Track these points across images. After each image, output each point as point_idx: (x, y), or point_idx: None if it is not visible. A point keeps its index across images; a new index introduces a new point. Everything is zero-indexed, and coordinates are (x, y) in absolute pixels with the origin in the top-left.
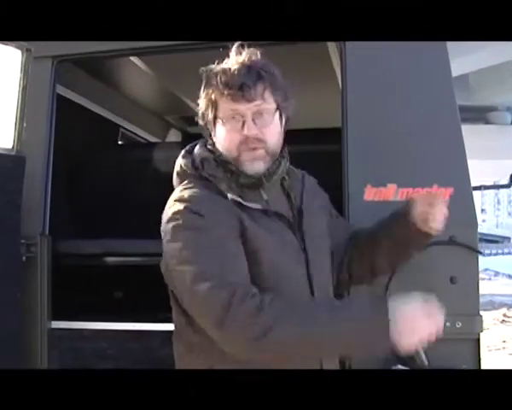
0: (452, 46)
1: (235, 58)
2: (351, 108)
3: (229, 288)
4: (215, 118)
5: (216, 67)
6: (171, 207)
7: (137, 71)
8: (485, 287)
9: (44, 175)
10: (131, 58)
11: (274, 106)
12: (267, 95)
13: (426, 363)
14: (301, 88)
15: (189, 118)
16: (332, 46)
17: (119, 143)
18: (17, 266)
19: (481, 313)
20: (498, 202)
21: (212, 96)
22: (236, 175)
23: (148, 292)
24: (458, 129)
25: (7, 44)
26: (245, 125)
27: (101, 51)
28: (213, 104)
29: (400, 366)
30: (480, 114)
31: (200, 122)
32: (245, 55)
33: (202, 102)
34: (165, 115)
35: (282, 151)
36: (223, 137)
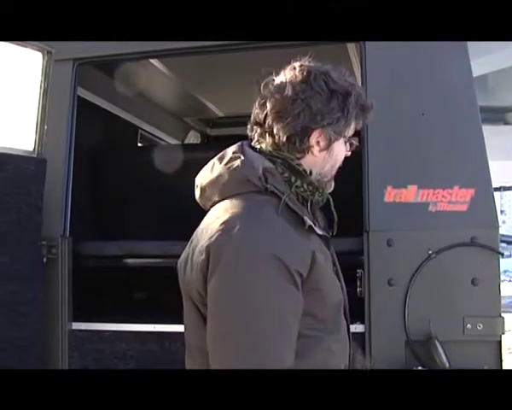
0: (472, 47)
1: (347, 75)
2: None
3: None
4: (339, 134)
5: (351, 79)
6: (235, 225)
7: (157, 73)
8: (506, 289)
9: (65, 177)
10: (151, 60)
11: None
12: None
13: (447, 365)
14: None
15: (209, 120)
16: (351, 47)
17: (139, 144)
18: (38, 268)
19: (502, 314)
20: None
21: (358, 113)
22: (313, 189)
23: (168, 294)
24: (479, 130)
25: (28, 47)
26: (347, 146)
27: (121, 54)
28: (350, 125)
29: (421, 368)
30: (499, 115)
31: (310, 125)
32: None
33: (335, 111)
34: (185, 117)
35: None
36: (337, 157)
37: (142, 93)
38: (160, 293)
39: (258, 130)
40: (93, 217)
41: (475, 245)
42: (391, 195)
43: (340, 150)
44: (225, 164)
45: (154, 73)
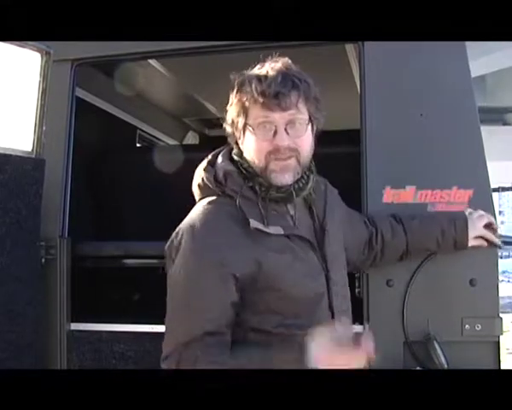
0: (470, 48)
1: (270, 65)
2: (369, 110)
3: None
4: (245, 125)
5: (250, 73)
6: (185, 223)
7: (156, 73)
8: (504, 289)
9: (64, 178)
10: (150, 61)
11: (307, 116)
12: (301, 104)
13: (445, 365)
14: (319, 90)
15: (207, 120)
16: (350, 48)
17: (138, 145)
18: (37, 268)
19: (501, 315)
20: None
21: (245, 103)
22: (265, 188)
23: (167, 294)
24: (478, 130)
25: (26, 47)
26: (277, 134)
27: (119, 54)
28: (245, 111)
29: (419, 368)
30: (497, 116)
31: (228, 129)
32: (280, 63)
33: (233, 108)
34: (184, 118)
35: (309, 165)
36: (252, 146)
37: (141, 94)
38: (158, 294)
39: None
40: (92, 217)
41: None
42: (389, 195)
43: (251, 139)
44: (197, 170)
45: (153, 74)
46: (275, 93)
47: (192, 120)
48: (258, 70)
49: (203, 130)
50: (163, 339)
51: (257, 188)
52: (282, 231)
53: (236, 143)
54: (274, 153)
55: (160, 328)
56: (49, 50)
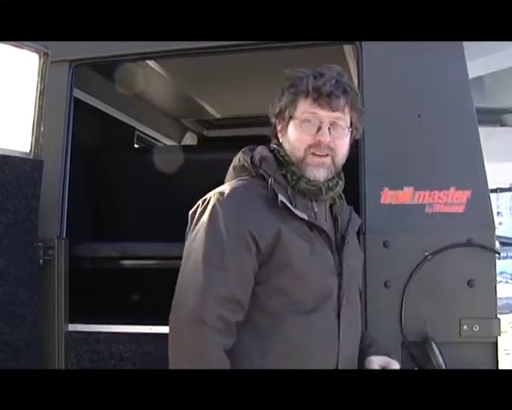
0: (468, 48)
1: (326, 67)
2: (367, 111)
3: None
4: (291, 117)
5: (306, 70)
6: (215, 191)
7: (154, 74)
8: (502, 290)
9: (62, 179)
10: (148, 62)
11: (349, 123)
12: (346, 110)
13: (443, 366)
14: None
15: (206, 121)
16: (348, 49)
17: (136, 146)
18: (35, 269)
19: (499, 316)
20: None
21: (297, 96)
22: (297, 178)
23: (165, 295)
24: (476, 131)
25: (24, 48)
26: (320, 130)
27: (117, 55)
28: (294, 103)
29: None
30: (495, 116)
31: (272, 119)
32: (335, 68)
33: (283, 99)
34: (181, 118)
35: (339, 173)
36: (294, 137)
37: (139, 94)
38: (156, 294)
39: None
40: (90, 218)
41: (472, 246)
42: (387, 196)
43: (295, 130)
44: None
45: (151, 75)
46: (328, 92)
47: (190, 121)
48: (313, 69)
49: (201, 131)
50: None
51: (288, 176)
52: (306, 217)
53: (276, 137)
54: (314, 147)
55: (158, 329)
56: (47, 51)
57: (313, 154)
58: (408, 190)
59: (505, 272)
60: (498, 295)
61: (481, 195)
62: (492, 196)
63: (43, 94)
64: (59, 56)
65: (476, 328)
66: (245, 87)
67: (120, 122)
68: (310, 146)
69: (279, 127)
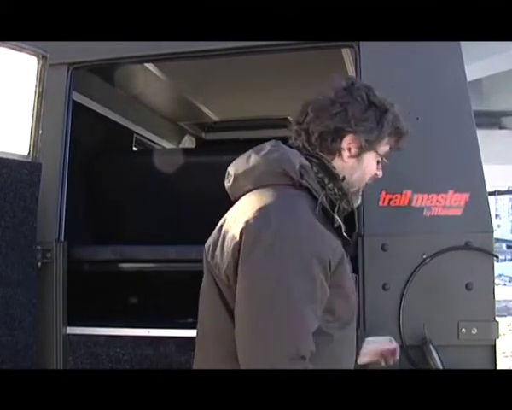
0: (466, 51)
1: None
2: None
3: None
4: (371, 147)
5: (395, 110)
6: (271, 212)
7: (152, 77)
8: (500, 293)
9: (60, 182)
10: (146, 64)
11: None
12: None
13: (441, 369)
14: (314, 93)
15: (204, 124)
16: (346, 52)
17: (134, 148)
18: (33, 272)
19: (497, 318)
20: None
21: (387, 132)
22: (341, 194)
23: (163, 298)
24: (474, 134)
25: (23, 51)
26: (379, 165)
27: (116, 58)
28: (382, 142)
29: None
30: (493, 119)
31: (343, 132)
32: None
33: (379, 127)
34: (180, 121)
35: None
36: (368, 169)
37: (138, 97)
38: (154, 297)
39: (295, 128)
40: (88, 221)
41: (470, 249)
42: (385, 199)
43: (370, 163)
44: (264, 155)
45: (150, 78)
46: (405, 133)
47: (188, 124)
48: (391, 106)
49: (200, 134)
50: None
51: (335, 190)
52: (347, 237)
53: (330, 148)
54: (369, 180)
55: (156, 332)
56: (46, 54)
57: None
58: (406, 193)
59: (503, 275)
60: (496, 298)
61: (479, 198)
62: (491, 198)
63: (41, 97)
64: (57, 59)
65: (474, 331)
66: (243, 90)
67: (119, 125)
68: (369, 179)
69: (350, 147)
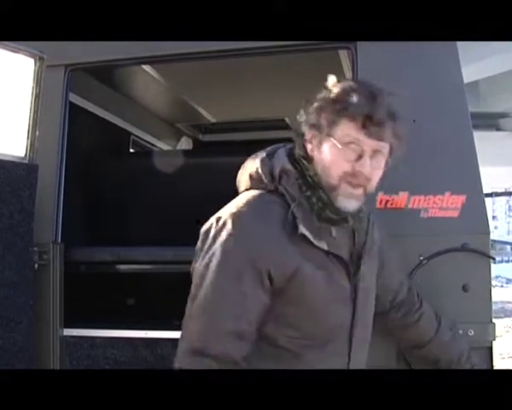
0: (463, 53)
1: (377, 88)
2: None
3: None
4: (328, 135)
5: (358, 87)
6: (230, 211)
7: (149, 79)
8: (497, 294)
9: (57, 183)
10: (143, 66)
11: (389, 152)
12: (390, 139)
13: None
14: (311, 95)
15: (201, 125)
16: (343, 54)
17: (131, 150)
18: (30, 274)
19: (494, 320)
20: (510, 209)
21: (341, 115)
22: (323, 205)
23: (160, 299)
24: (470, 136)
25: (20, 53)
26: (361, 159)
27: (113, 59)
28: (336, 122)
29: None
30: (490, 121)
31: (304, 129)
32: (384, 89)
33: (324, 112)
34: (177, 123)
35: None
36: (330, 161)
37: (135, 99)
38: (151, 299)
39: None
40: (85, 223)
41: (467, 251)
42: (382, 201)
43: (331, 153)
44: (252, 159)
45: (147, 79)
46: (380, 121)
47: (185, 126)
48: (367, 87)
49: (197, 135)
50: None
51: (314, 200)
52: (326, 247)
53: (304, 148)
54: (350, 176)
55: (153, 333)
56: (43, 55)
57: (348, 183)
58: (403, 194)
59: (500, 277)
60: (493, 300)
61: (476, 199)
62: (488, 200)
63: (38, 98)
64: (54, 61)
65: (471, 332)
66: (240, 92)
67: (116, 126)
68: (346, 174)
69: (311, 141)
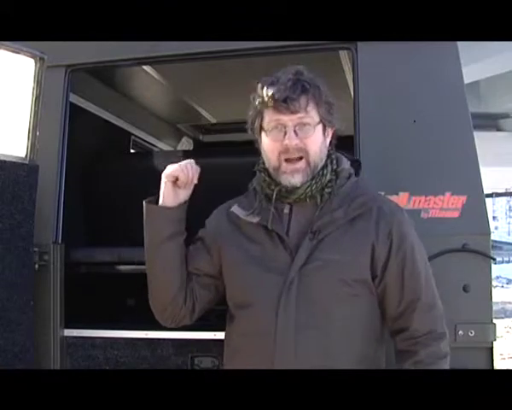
0: (464, 53)
1: (283, 71)
2: (363, 117)
3: None
4: (261, 128)
5: (265, 79)
6: None
7: (150, 79)
8: (498, 295)
9: (57, 184)
10: (144, 67)
11: (317, 119)
12: (310, 108)
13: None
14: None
15: (201, 126)
16: (344, 54)
17: (132, 151)
18: (30, 274)
19: (494, 321)
20: (510, 209)
21: (259, 107)
22: (267, 185)
23: None
24: (471, 136)
25: (20, 53)
26: (286, 134)
27: (113, 60)
28: (260, 114)
29: None
30: (491, 121)
31: (249, 132)
32: (292, 69)
33: (251, 111)
34: (177, 123)
35: (333, 169)
36: (266, 147)
37: (135, 99)
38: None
39: None
40: (85, 223)
41: (467, 251)
42: None
43: (265, 141)
44: None
45: (147, 80)
46: (283, 98)
47: (186, 126)
48: (272, 76)
49: (197, 136)
50: None
51: (264, 184)
52: (254, 220)
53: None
54: (284, 153)
55: (154, 334)
56: (43, 56)
57: (286, 160)
58: (403, 195)
59: (501, 277)
60: (494, 300)
61: (477, 200)
62: (488, 200)
63: (38, 99)
64: (55, 61)
65: (472, 333)
66: (241, 92)
67: (116, 127)
68: (280, 153)
69: (256, 139)
